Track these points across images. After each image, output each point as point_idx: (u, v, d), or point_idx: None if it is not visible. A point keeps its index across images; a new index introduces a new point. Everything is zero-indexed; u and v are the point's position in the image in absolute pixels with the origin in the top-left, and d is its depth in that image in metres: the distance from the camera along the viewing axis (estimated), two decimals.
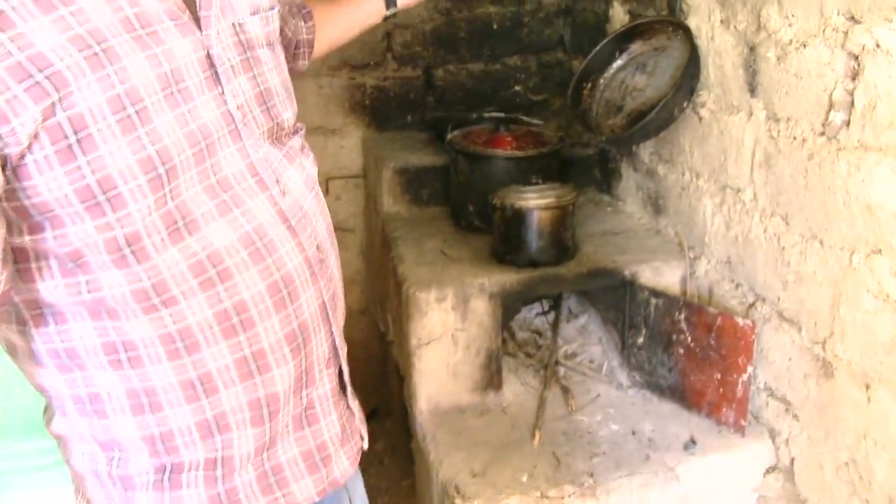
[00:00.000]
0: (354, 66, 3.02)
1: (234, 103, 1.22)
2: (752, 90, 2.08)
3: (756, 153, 2.09)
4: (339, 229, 3.20)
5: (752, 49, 2.05)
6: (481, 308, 2.27)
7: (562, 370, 2.49)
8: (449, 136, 2.63)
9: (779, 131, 2.00)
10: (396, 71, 3.05)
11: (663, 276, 2.38)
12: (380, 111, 3.08)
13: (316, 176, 1.44)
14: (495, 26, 3.07)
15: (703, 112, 2.29)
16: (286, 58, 1.60)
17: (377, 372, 3.30)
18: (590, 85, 2.47)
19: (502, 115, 2.78)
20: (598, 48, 2.43)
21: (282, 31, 1.65)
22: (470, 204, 2.62)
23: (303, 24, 1.80)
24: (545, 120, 3.13)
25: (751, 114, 2.10)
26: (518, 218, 2.35)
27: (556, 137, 2.64)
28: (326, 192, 3.09)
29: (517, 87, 3.14)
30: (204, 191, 1.19)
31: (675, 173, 2.47)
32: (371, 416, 3.24)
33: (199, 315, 1.20)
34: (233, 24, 1.26)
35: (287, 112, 1.36)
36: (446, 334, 2.28)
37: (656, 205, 2.60)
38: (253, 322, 1.24)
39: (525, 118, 2.75)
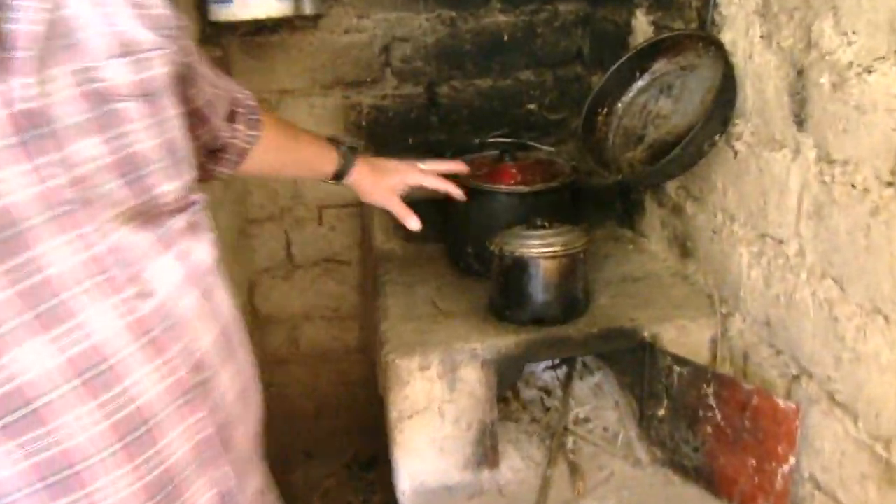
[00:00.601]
0: (349, 83, 2.62)
1: (66, 177, 0.84)
2: (800, 123, 1.63)
3: (804, 200, 1.65)
4: (335, 262, 2.83)
5: (801, 73, 1.61)
6: (472, 377, 1.86)
7: (571, 440, 2.07)
8: None
9: (833, 176, 1.55)
10: (396, 88, 2.65)
11: (690, 336, 1.95)
12: (378, 133, 2.67)
13: (211, 263, 1.05)
14: (505, 38, 2.64)
15: (739, 145, 1.85)
16: (202, 156, 1.29)
17: (377, 414, 2.91)
18: (605, 110, 2.04)
19: (509, 140, 2.36)
20: (615, 67, 2.00)
21: (206, 119, 1.29)
22: (468, 245, 2.21)
23: (243, 129, 1.44)
24: (562, 141, 2.71)
25: (797, 152, 1.66)
26: (519, 268, 1.93)
27: (569, 168, 2.21)
28: (320, 221, 2.71)
29: (531, 105, 2.72)
30: (15, 298, 0.81)
31: (705, 213, 2.04)
32: (370, 465, 2.87)
33: (6, 471, 0.82)
34: (76, 70, 0.87)
35: (170, 183, 0.98)
36: (431, 407, 1.87)
37: (683, 247, 2.16)
38: (89, 478, 0.86)
39: (535, 144, 2.33)
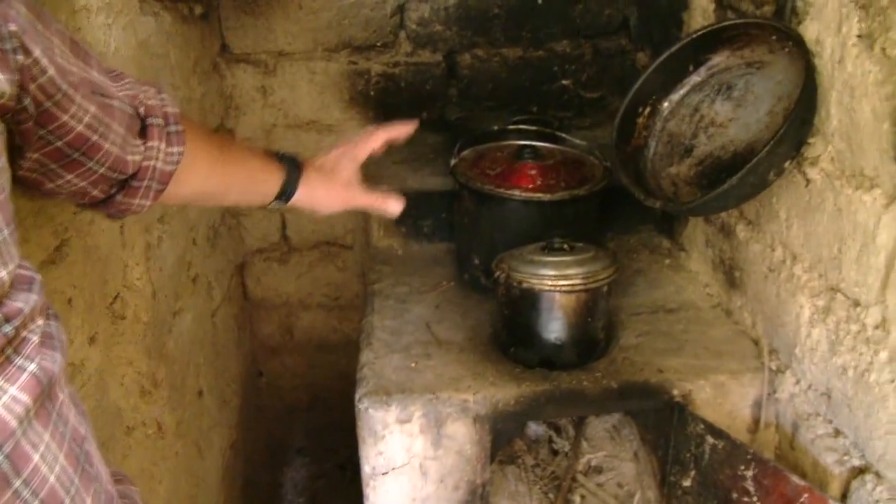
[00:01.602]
0: (357, 47, 2.18)
1: None
2: None
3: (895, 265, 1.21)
4: (336, 245, 2.43)
5: None
6: (461, 434, 1.48)
7: (579, 496, 1.69)
8: (454, 161, 1.79)
9: None
10: (410, 55, 2.20)
11: (729, 396, 1.53)
12: (388, 105, 2.23)
13: (31, 401, 0.68)
14: (540, 1, 2.16)
15: (813, 173, 1.39)
16: (107, 188, 0.98)
17: None
18: (648, 110, 1.58)
19: (533, 128, 1.91)
20: (663, 56, 1.53)
21: (94, 146, 0.92)
22: (474, 255, 1.79)
23: (161, 147, 1.02)
24: (599, 124, 2.26)
25: (895, 198, 1.20)
26: (528, 301, 1.52)
27: (601, 169, 1.77)
28: None
29: (565, 81, 2.24)
30: None
31: (761, 243, 1.59)
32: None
33: None
34: None
35: None
36: (411, 463, 1.50)
37: (731, 275, 1.72)
38: None
39: (565, 136, 1.87)
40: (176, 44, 1.76)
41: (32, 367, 0.70)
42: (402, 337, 1.66)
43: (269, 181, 1.27)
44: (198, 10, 1.91)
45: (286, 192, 1.29)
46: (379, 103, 2.22)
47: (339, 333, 2.41)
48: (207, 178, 1.16)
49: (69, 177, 0.92)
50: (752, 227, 1.62)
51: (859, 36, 1.29)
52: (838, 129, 1.34)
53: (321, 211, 1.39)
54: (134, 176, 1.01)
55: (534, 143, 1.83)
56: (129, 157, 0.98)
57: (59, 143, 0.87)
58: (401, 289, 1.83)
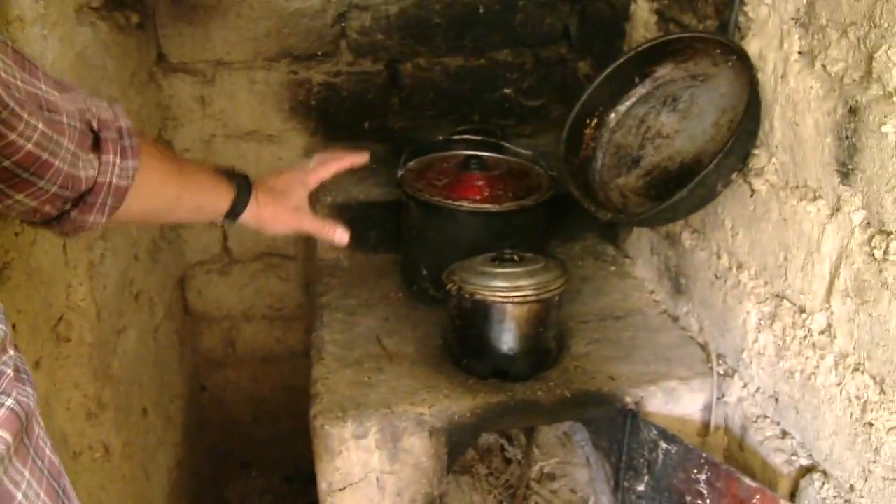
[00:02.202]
0: (297, 56, 2.12)
1: None
2: (845, 175, 1.20)
3: (841, 271, 1.23)
4: (278, 256, 2.38)
5: (854, 111, 1.17)
6: (418, 447, 1.46)
7: (533, 501, 1.69)
8: (400, 172, 1.77)
9: (886, 249, 1.14)
10: (352, 64, 2.16)
11: (680, 401, 1.55)
12: (329, 115, 2.19)
13: (11, 438, 0.66)
14: (481, 10, 2.15)
15: (758, 183, 1.42)
16: (53, 203, 0.92)
17: None
18: (595, 121, 1.59)
19: (478, 138, 1.90)
20: (609, 69, 1.54)
21: (45, 165, 0.87)
22: (422, 267, 1.77)
23: (116, 161, 0.96)
24: (540, 132, 2.27)
25: (837, 209, 1.23)
26: (480, 313, 1.51)
27: (547, 179, 1.77)
28: None
29: (506, 90, 2.24)
30: None
31: (706, 251, 1.62)
32: (313, 480, 2.47)
33: None
34: None
35: None
36: (368, 478, 1.47)
37: (676, 282, 1.74)
38: None
39: (509, 146, 1.87)
40: (113, 55, 1.68)
41: (9, 402, 0.65)
42: (353, 351, 1.63)
43: (219, 198, 1.22)
44: (134, 18, 1.83)
45: (235, 210, 1.25)
46: (320, 112, 2.18)
47: (283, 345, 2.36)
48: (160, 193, 1.11)
49: (19, 197, 0.87)
50: (697, 235, 1.64)
51: (800, 53, 1.32)
52: (782, 141, 1.37)
53: (267, 231, 1.36)
54: (89, 191, 0.95)
55: (480, 153, 1.83)
56: (82, 173, 0.92)
57: (6, 163, 0.82)
58: (349, 301, 1.80)
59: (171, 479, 1.99)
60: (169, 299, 2.13)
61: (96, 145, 0.95)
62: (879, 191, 1.14)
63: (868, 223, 1.18)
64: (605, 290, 1.85)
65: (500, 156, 1.85)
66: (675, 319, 1.74)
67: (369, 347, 1.64)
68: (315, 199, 1.95)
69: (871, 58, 1.15)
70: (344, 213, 1.93)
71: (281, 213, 1.34)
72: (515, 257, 1.56)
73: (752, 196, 1.44)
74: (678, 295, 1.73)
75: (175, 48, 2.08)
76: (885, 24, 1.12)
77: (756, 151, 1.42)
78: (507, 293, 1.49)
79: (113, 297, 1.60)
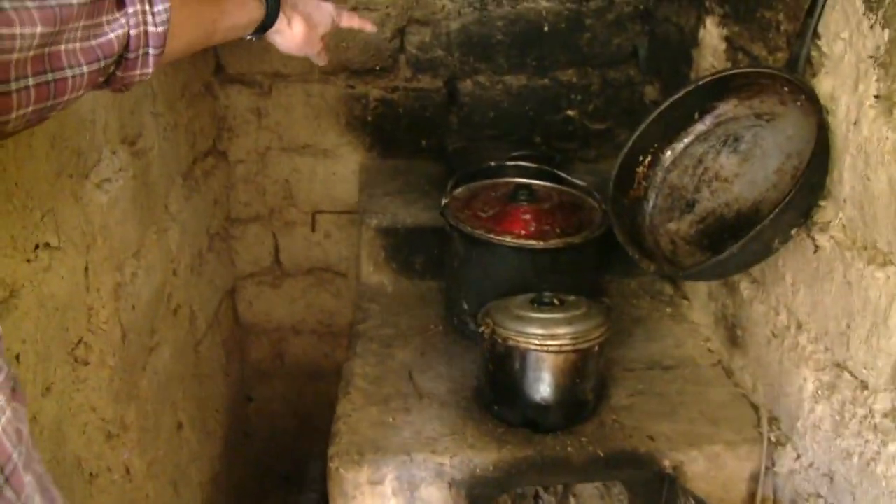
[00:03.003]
0: (354, 71, 2.06)
1: None
2: None
3: None
4: (330, 272, 2.32)
5: None
6: (435, 499, 1.36)
7: None
8: (445, 200, 1.68)
9: None
10: (410, 80, 2.08)
11: (724, 469, 1.40)
12: (385, 131, 2.12)
13: None
14: (546, 28, 2.03)
15: (822, 239, 1.27)
16: (94, 77, 0.87)
17: None
18: (649, 159, 1.45)
19: (532, 165, 1.78)
20: (665, 104, 1.40)
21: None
22: (464, 300, 1.68)
23: (147, 8, 0.90)
24: (604, 157, 2.14)
25: None
26: (512, 359, 1.41)
27: (600, 214, 1.64)
28: (313, 227, 2.20)
29: (570, 112, 2.11)
30: None
31: (765, 304, 1.46)
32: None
33: None
34: None
35: None
36: None
37: (733, 333, 1.59)
38: None
39: (564, 175, 1.75)
40: (159, 70, 1.65)
41: None
42: (382, 386, 1.55)
43: (250, 15, 1.18)
44: None
45: (265, 25, 1.22)
46: (376, 128, 2.11)
47: (331, 360, 2.31)
48: (197, 24, 1.05)
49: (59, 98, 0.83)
50: (756, 285, 1.49)
51: (877, 97, 1.16)
52: (851, 195, 1.21)
53: (291, 50, 1.33)
54: (126, 48, 0.90)
55: (530, 181, 1.72)
56: (112, 35, 0.87)
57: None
58: (386, 331, 1.72)
59: (204, 495, 1.96)
60: (216, 311, 2.10)
61: (121, 2, 0.89)
62: None
63: None
64: (658, 335, 1.71)
65: (552, 185, 1.74)
66: (730, 374, 1.59)
67: (400, 384, 1.56)
68: (363, 219, 1.90)
69: None
70: (390, 237, 1.85)
71: (308, 35, 1.33)
72: (555, 301, 1.44)
73: (815, 252, 1.28)
74: (734, 347, 1.59)
75: (233, 59, 2.04)
76: None
77: (822, 203, 1.27)
78: (543, 341, 1.38)
79: (144, 316, 1.57)
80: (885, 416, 1.15)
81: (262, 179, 2.15)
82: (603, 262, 1.73)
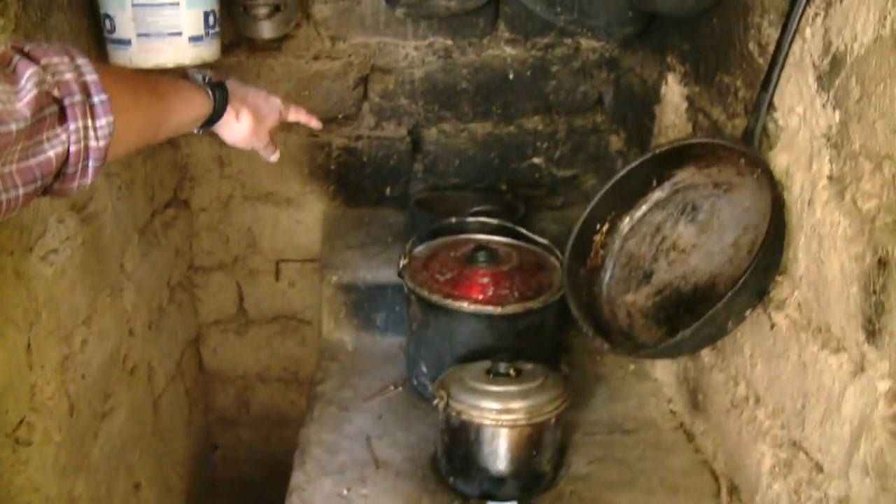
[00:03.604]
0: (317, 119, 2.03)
1: None
2: (872, 333, 1.02)
3: (861, 443, 1.05)
4: (295, 320, 2.28)
5: (884, 264, 0.99)
6: None
7: None
8: (403, 261, 1.64)
9: None
10: (373, 129, 2.04)
11: None
12: (349, 180, 2.08)
13: None
14: (511, 76, 2.00)
15: (779, 317, 1.24)
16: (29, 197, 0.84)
17: None
18: (607, 227, 1.43)
19: (493, 221, 1.75)
20: (622, 173, 1.37)
21: None
22: (423, 363, 1.64)
23: (90, 123, 0.87)
24: (570, 204, 2.12)
25: (861, 369, 1.05)
26: (467, 433, 1.38)
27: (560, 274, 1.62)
28: (277, 277, 2.16)
29: (536, 159, 2.08)
30: None
31: (724, 373, 1.44)
32: None
33: None
34: None
35: None
36: None
37: (694, 396, 1.57)
38: None
39: (526, 232, 1.72)
40: None
41: None
42: (338, 455, 1.51)
43: (197, 113, 1.20)
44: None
45: (211, 122, 1.25)
46: (340, 177, 2.07)
47: (297, 408, 2.26)
48: (142, 129, 1.05)
49: None
50: (716, 353, 1.46)
51: (830, 178, 1.14)
52: (806, 276, 1.18)
53: (232, 144, 1.37)
54: (65, 163, 0.87)
55: (491, 238, 1.70)
56: (51, 154, 0.84)
57: None
58: (345, 393, 1.68)
59: None
60: (178, 362, 2.06)
61: (62, 115, 0.86)
62: None
63: (895, 396, 1.00)
64: (620, 395, 1.68)
65: (513, 242, 1.71)
66: (691, 438, 1.56)
67: (356, 452, 1.52)
68: (324, 275, 1.86)
69: None
70: (351, 293, 1.82)
71: (258, 128, 1.37)
72: (512, 371, 1.41)
73: (771, 329, 1.26)
74: (695, 411, 1.56)
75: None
76: None
77: (779, 278, 1.25)
78: (497, 416, 1.35)
79: (95, 383, 1.53)
80: (840, 503, 1.13)
81: (225, 228, 2.11)
82: (564, 322, 1.70)
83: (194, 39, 1.48)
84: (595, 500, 1.40)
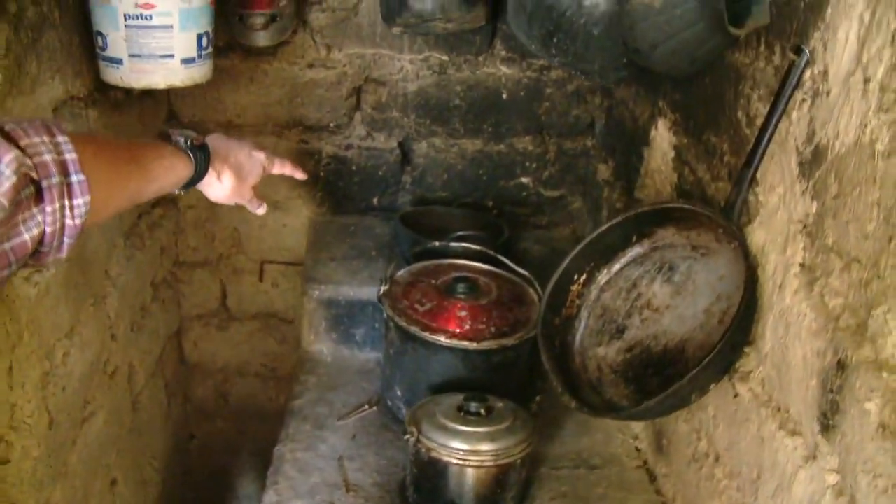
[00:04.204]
0: (309, 126, 2.03)
1: None
2: (826, 428, 1.06)
3: None
4: (276, 318, 2.31)
5: (842, 366, 1.03)
6: None
7: None
8: (384, 287, 1.67)
9: None
10: (364, 139, 2.05)
11: None
12: (337, 187, 2.09)
13: None
14: (505, 95, 2.01)
15: (742, 389, 1.28)
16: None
17: None
18: (584, 277, 1.46)
19: (476, 248, 1.78)
20: (603, 228, 1.40)
21: None
22: (398, 387, 1.68)
23: (67, 202, 0.88)
24: (556, 224, 2.14)
25: (813, 459, 1.09)
26: (436, 469, 1.42)
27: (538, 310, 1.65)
28: (261, 277, 2.18)
29: (524, 178, 2.10)
30: None
31: (689, 425, 1.48)
32: None
33: None
34: None
35: None
36: None
37: (659, 439, 1.61)
38: None
39: (507, 262, 1.74)
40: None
41: None
42: (310, 476, 1.56)
43: (178, 176, 1.21)
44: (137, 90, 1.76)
45: (193, 183, 1.27)
46: (328, 184, 2.08)
47: (275, 404, 2.30)
48: (121, 198, 1.07)
49: None
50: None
51: (802, 266, 1.17)
52: (771, 355, 1.22)
53: (216, 200, 1.40)
54: (40, 243, 0.88)
55: (471, 265, 1.73)
56: (26, 236, 0.85)
57: None
58: (321, 409, 1.72)
59: None
60: (158, 357, 2.09)
61: (39, 195, 0.87)
62: (856, 468, 1.00)
63: (841, 491, 1.03)
64: (588, 428, 1.73)
65: (493, 271, 1.74)
66: (653, 479, 1.61)
67: (327, 473, 1.57)
68: (305, 289, 1.89)
69: (869, 311, 1.00)
70: (332, 308, 1.85)
71: (241, 186, 1.40)
72: (482, 411, 1.45)
73: (735, 397, 1.30)
74: (659, 453, 1.61)
75: (186, 107, 2.00)
76: (889, 281, 0.97)
77: (747, 349, 1.28)
78: (465, 456, 1.39)
79: (75, 394, 1.56)
80: None
81: (211, 226, 2.12)
82: (538, 356, 1.74)
83: (186, 62, 1.48)
84: None
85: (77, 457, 1.59)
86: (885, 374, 0.96)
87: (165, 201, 2.04)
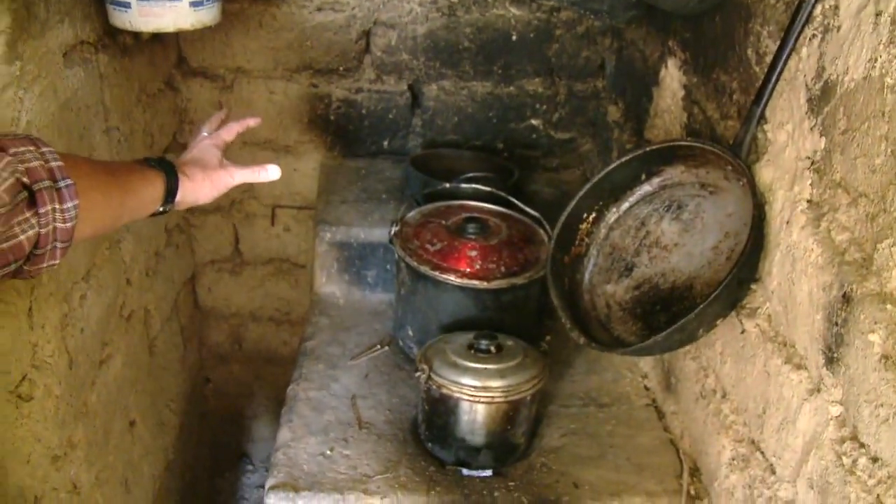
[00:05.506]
0: (318, 70, 2.03)
1: None
2: (830, 360, 1.09)
3: (810, 458, 1.13)
4: (289, 263, 2.34)
5: (847, 299, 1.04)
6: None
7: None
8: (395, 228, 1.69)
9: (855, 461, 1.03)
10: (374, 82, 2.05)
11: None
12: (348, 131, 2.10)
13: None
14: (514, 37, 2.00)
15: (749, 325, 1.30)
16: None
17: None
18: (594, 216, 1.47)
19: (486, 189, 1.79)
20: (612, 166, 1.41)
21: None
22: (409, 327, 1.71)
23: (57, 206, 0.94)
24: (566, 166, 2.14)
25: (818, 390, 1.12)
26: (446, 405, 1.46)
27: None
28: (272, 221, 2.20)
29: (534, 121, 2.10)
30: None
31: (696, 363, 1.51)
32: None
33: None
34: None
35: None
36: None
37: (667, 377, 1.64)
38: None
39: (517, 202, 1.75)
40: (112, 82, 1.63)
41: None
42: (323, 413, 1.60)
43: (154, 188, 1.21)
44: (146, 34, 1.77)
45: (171, 193, 1.24)
46: (339, 128, 2.09)
47: (288, 347, 2.35)
48: (105, 210, 1.09)
49: None
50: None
51: (809, 202, 1.18)
52: (778, 291, 1.24)
53: (206, 199, 1.34)
54: (35, 246, 0.94)
55: (482, 206, 1.74)
56: (22, 238, 0.91)
57: None
58: (334, 349, 1.76)
59: (157, 484, 2.03)
60: (173, 302, 2.13)
61: (32, 200, 0.92)
62: (858, 398, 1.02)
63: (843, 422, 1.06)
64: (598, 367, 1.76)
65: (503, 211, 1.75)
66: (661, 416, 1.65)
67: (340, 411, 1.61)
68: (317, 233, 1.91)
69: (875, 244, 1.01)
70: (344, 250, 1.87)
71: (210, 175, 1.33)
72: (492, 348, 1.48)
73: (742, 333, 1.32)
74: (667, 391, 1.64)
75: (195, 52, 2.01)
76: None
77: (754, 286, 1.30)
78: (475, 392, 1.43)
79: (93, 336, 1.60)
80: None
81: None
82: (548, 294, 1.76)
83: (195, 4, 1.48)
84: (564, 473, 1.50)
85: (97, 397, 1.64)
86: (889, 307, 0.98)
87: (177, 147, 2.06)
